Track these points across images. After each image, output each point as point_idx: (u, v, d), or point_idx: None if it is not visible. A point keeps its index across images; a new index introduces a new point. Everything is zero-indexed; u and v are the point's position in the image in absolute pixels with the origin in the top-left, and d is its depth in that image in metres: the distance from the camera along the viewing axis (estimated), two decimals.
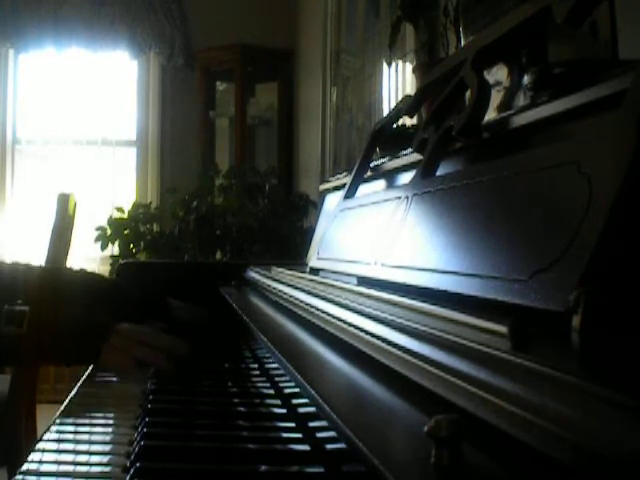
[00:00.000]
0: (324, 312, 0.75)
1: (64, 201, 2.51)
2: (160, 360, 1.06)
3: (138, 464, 0.66)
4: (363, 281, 0.89)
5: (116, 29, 4.24)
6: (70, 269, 1.49)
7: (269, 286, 1.16)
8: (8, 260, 1.27)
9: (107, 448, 0.76)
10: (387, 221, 0.90)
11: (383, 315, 0.60)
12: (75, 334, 1.07)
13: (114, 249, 3.22)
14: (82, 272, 1.31)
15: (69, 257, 2.57)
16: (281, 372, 0.86)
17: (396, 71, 2.43)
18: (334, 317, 0.70)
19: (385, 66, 2.51)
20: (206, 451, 0.70)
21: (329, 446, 0.61)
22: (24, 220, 4.37)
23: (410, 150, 0.99)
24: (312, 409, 0.67)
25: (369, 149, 1.23)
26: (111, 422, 0.87)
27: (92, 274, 1.31)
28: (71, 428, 0.84)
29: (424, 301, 0.59)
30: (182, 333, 1.17)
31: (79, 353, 1.08)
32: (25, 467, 0.68)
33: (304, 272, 1.19)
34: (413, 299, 0.61)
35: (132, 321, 1.16)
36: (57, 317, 1.08)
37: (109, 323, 1.12)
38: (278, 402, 0.87)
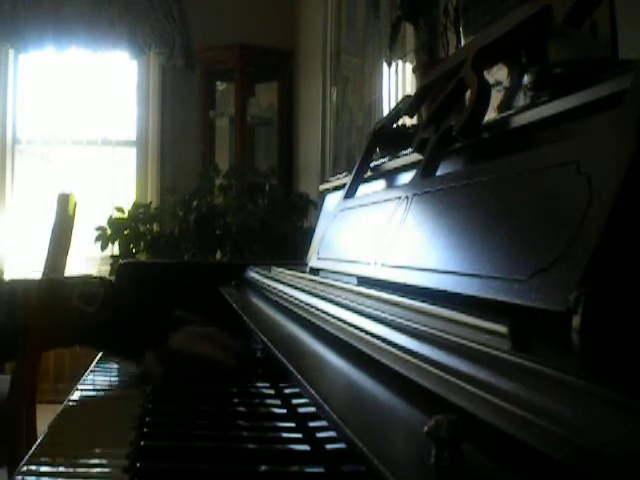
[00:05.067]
0: (324, 312, 0.75)
1: (64, 201, 2.51)
2: (226, 357, 1.02)
3: (138, 464, 0.66)
4: (363, 281, 0.89)
5: (116, 29, 4.23)
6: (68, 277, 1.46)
7: (269, 286, 1.16)
8: (8, 263, 1.26)
9: (107, 449, 0.76)
10: (387, 221, 0.90)
11: (383, 315, 0.60)
12: (142, 321, 1.05)
13: (114, 249, 3.22)
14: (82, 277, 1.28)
15: (69, 257, 2.57)
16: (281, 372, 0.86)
17: (396, 71, 2.43)
18: (334, 317, 0.70)
19: (385, 66, 2.51)
20: (206, 451, 0.70)
21: (329, 446, 0.61)
22: (24, 220, 4.37)
23: (410, 150, 0.99)
24: (312, 409, 0.67)
25: (369, 149, 1.23)
26: (111, 422, 0.87)
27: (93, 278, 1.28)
28: (71, 428, 0.84)
29: (424, 301, 0.59)
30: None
31: (146, 338, 1.05)
32: (25, 467, 0.68)
33: (304, 272, 1.19)
34: (413, 299, 0.61)
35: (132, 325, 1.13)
36: (127, 300, 1.06)
37: (177, 314, 1.10)
38: (278, 402, 0.88)
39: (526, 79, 0.71)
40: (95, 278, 1.22)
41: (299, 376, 0.61)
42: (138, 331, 1.07)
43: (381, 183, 1.15)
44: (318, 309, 0.78)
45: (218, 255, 3.08)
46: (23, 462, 0.69)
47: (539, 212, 0.56)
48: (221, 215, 3.05)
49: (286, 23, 4.30)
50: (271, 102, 4.29)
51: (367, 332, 0.59)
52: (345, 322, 0.66)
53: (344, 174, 1.43)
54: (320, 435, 0.66)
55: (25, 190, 4.45)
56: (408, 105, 1.11)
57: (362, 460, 0.40)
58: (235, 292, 1.37)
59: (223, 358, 1.03)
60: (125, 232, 3.17)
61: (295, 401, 0.78)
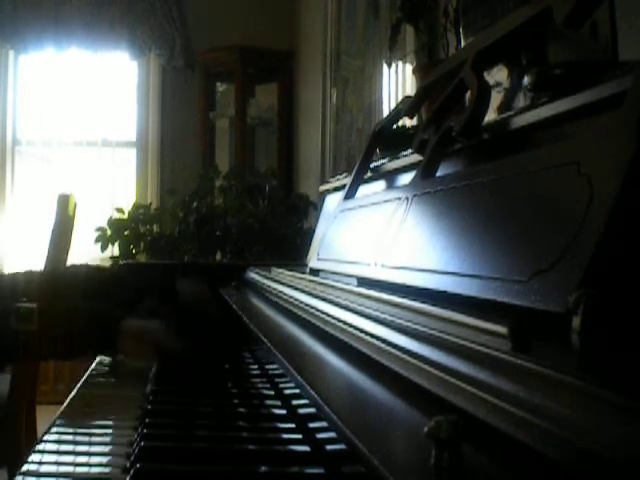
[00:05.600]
0: (324, 313, 0.75)
1: (64, 202, 2.51)
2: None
3: (138, 465, 0.66)
4: (363, 282, 0.89)
5: (116, 30, 4.23)
6: (69, 267, 1.49)
7: (269, 287, 1.16)
8: (8, 263, 1.29)
9: (107, 449, 0.76)
10: (387, 222, 0.90)
11: (383, 316, 0.60)
12: (85, 326, 1.07)
13: (114, 250, 3.22)
14: (81, 266, 1.31)
15: (69, 258, 2.57)
16: (281, 373, 0.86)
17: (396, 72, 2.43)
18: (334, 318, 0.70)
19: (385, 67, 2.52)
20: (206, 452, 0.70)
21: (329, 447, 0.61)
22: (24, 221, 4.37)
23: (410, 151, 0.99)
24: (312, 410, 0.67)
25: (369, 150, 1.23)
26: (111, 423, 0.87)
27: (91, 267, 1.31)
28: (71, 429, 0.84)
29: (424, 302, 0.59)
30: (187, 320, 1.18)
31: (91, 344, 1.08)
32: (25, 468, 0.68)
33: (304, 273, 1.19)
34: (413, 300, 0.61)
35: (135, 305, 1.18)
36: (66, 311, 1.08)
37: (119, 314, 1.13)
38: (278, 403, 0.88)
39: (526, 80, 0.71)
40: (100, 269, 1.25)
41: (299, 377, 0.61)
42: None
43: (381, 184, 1.15)
44: (318, 310, 0.78)
45: (218, 256, 3.08)
46: (23, 463, 0.69)
47: (539, 213, 0.56)
48: (221, 216, 3.05)
49: (286, 24, 4.30)
50: (271, 103, 4.29)
51: (367, 333, 0.59)
52: (345, 323, 0.66)
53: (344, 175, 1.43)
54: (320, 436, 0.66)
55: (25, 191, 4.44)
56: (408, 106, 1.11)
57: (362, 461, 0.40)
58: (235, 293, 1.37)
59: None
60: (125, 233, 3.17)
61: (295, 402, 0.78)
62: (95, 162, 4.46)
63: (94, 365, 1.19)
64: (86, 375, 1.13)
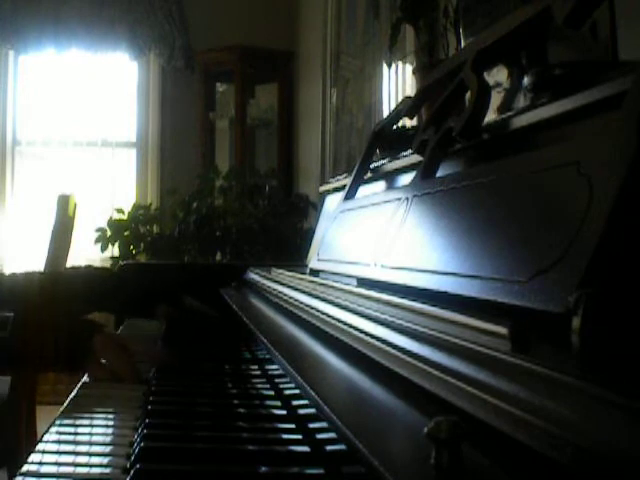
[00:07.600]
0: (324, 313, 0.75)
1: (64, 202, 2.51)
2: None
3: (138, 465, 0.66)
4: (363, 282, 0.89)
5: (116, 30, 4.23)
6: (71, 268, 1.49)
7: (269, 287, 1.16)
8: (8, 264, 1.29)
9: (107, 449, 0.76)
10: (387, 222, 0.90)
11: (383, 316, 0.60)
12: (62, 338, 1.07)
13: (114, 250, 3.22)
14: (84, 269, 1.31)
15: (69, 258, 2.57)
16: (281, 373, 0.86)
17: (396, 72, 2.43)
18: (334, 318, 0.70)
19: (385, 67, 2.52)
20: (206, 452, 0.70)
21: (329, 447, 0.61)
22: (24, 221, 4.37)
23: (410, 151, 0.99)
24: (312, 410, 0.67)
25: (369, 150, 1.23)
26: (111, 423, 0.87)
27: (94, 269, 1.31)
28: (71, 429, 0.84)
29: (424, 302, 0.59)
30: (191, 321, 1.19)
31: (66, 358, 1.08)
32: (25, 468, 0.68)
33: (304, 273, 1.19)
34: (413, 300, 0.61)
35: (138, 309, 1.18)
36: (42, 321, 1.08)
37: (95, 327, 1.12)
38: (278, 403, 0.87)
39: (526, 80, 0.71)
40: (97, 269, 1.25)
41: (299, 377, 0.61)
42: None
43: (381, 184, 1.15)
44: (318, 310, 0.78)
45: (218, 256, 3.08)
46: (23, 463, 0.69)
47: (539, 213, 0.56)
48: (221, 216, 3.05)
49: (286, 24, 4.30)
50: (271, 103, 4.29)
51: (367, 333, 0.59)
52: (345, 323, 0.66)
53: (344, 175, 1.43)
54: (320, 436, 0.66)
55: (25, 191, 4.44)
56: (408, 106, 1.11)
57: (362, 461, 0.40)
58: (235, 293, 1.37)
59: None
60: (125, 233, 3.17)
61: (295, 402, 0.78)
62: (95, 162, 4.46)
63: None
64: (86, 375, 1.13)
